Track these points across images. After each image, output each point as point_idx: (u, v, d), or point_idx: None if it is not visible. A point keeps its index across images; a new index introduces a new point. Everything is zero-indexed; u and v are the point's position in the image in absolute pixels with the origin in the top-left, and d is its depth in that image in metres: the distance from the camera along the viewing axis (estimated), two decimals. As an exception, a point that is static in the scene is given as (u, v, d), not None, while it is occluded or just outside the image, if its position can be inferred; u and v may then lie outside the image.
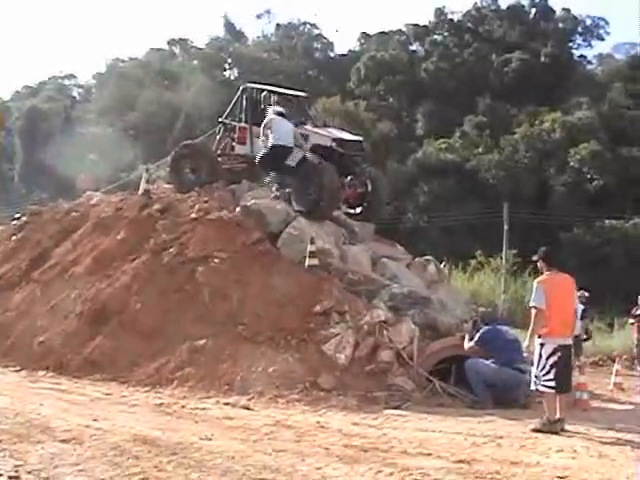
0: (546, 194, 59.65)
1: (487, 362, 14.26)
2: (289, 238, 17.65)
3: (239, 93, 20.88)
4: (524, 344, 12.50)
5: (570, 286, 12.32)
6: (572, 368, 13.09)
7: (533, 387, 12.17)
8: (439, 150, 64.80)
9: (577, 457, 9.79)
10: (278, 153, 19.12)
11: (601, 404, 15.51)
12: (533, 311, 11.97)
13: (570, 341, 12.24)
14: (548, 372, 11.76)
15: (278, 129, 19.10)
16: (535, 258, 12.55)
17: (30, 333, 17.33)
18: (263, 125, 19.35)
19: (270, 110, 19.93)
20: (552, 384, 11.74)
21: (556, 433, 11.33)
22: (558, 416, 11.69)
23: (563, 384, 11.90)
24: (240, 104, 20.79)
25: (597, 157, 58.56)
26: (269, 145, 19.04)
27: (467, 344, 14.79)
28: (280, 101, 20.78)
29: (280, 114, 19.47)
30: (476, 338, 14.64)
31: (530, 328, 12.02)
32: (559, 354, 11.74)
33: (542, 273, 12.33)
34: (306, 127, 19.93)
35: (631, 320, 23.89)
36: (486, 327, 14.86)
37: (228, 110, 21.19)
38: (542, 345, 11.85)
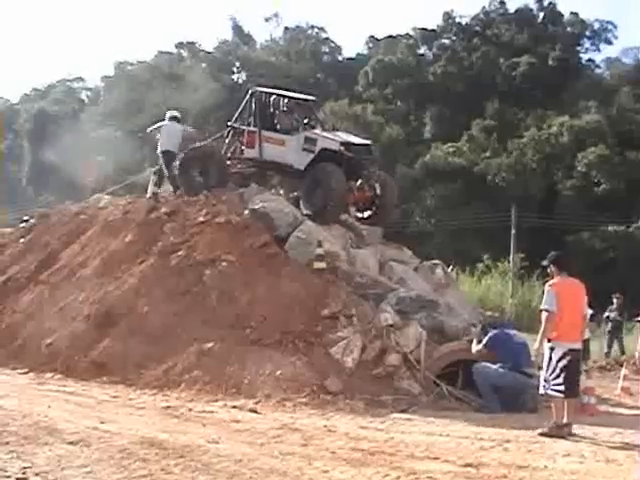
0: (554, 198, 59.68)
1: (494, 366, 14.25)
2: (297, 241, 17.66)
3: (248, 97, 20.87)
4: (534, 346, 12.45)
5: (580, 291, 12.31)
6: (580, 373, 13.07)
7: (542, 391, 12.15)
8: (447, 154, 64.81)
9: (584, 461, 9.78)
10: (166, 158, 21.23)
11: (608, 408, 15.47)
12: (544, 314, 11.93)
13: (580, 345, 12.27)
14: (558, 376, 11.75)
15: (166, 135, 21.43)
16: (545, 263, 12.59)
17: (38, 335, 17.35)
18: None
19: (167, 114, 22.15)
20: (561, 388, 11.72)
21: (563, 437, 11.33)
22: (566, 420, 11.69)
23: (572, 389, 11.90)
24: (249, 108, 20.79)
25: (605, 161, 58.57)
26: (158, 151, 21.45)
27: (475, 347, 14.78)
28: (289, 105, 20.83)
29: (173, 118, 21.91)
30: (484, 341, 14.63)
31: (540, 331, 12.00)
32: (569, 358, 11.74)
33: (552, 277, 12.35)
34: (315, 131, 19.97)
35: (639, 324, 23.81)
36: (494, 331, 14.85)
37: (237, 114, 21.17)
38: (552, 349, 11.85)
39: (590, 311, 23.53)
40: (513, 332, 15.36)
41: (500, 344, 14.50)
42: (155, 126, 22.19)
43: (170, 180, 21.44)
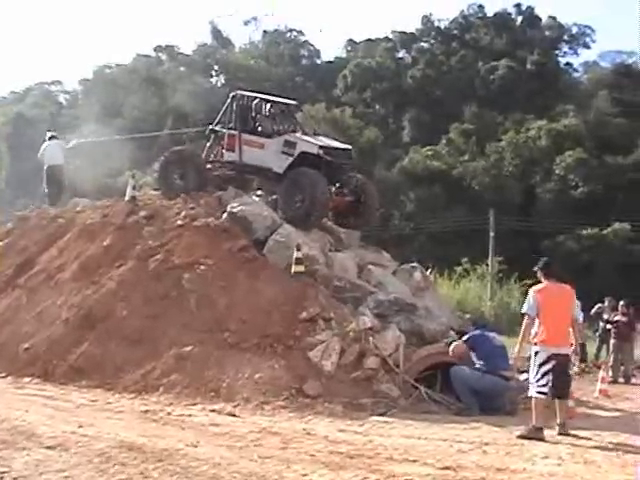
0: (532, 201, 60.01)
1: (471, 369, 14.27)
2: (275, 245, 17.65)
3: (229, 100, 20.84)
4: (514, 350, 12.60)
5: (566, 296, 12.42)
6: (570, 375, 13.14)
7: (529, 393, 12.32)
8: (425, 157, 65.07)
9: (563, 463, 9.83)
10: (53, 171, 24.44)
11: (587, 411, 15.53)
12: (526, 318, 12.17)
13: (566, 350, 12.35)
14: (541, 378, 11.91)
15: (50, 152, 24.59)
16: (535, 268, 12.73)
17: (16, 339, 17.25)
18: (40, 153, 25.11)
19: (47, 134, 25.74)
20: (544, 390, 11.90)
21: (542, 440, 11.39)
22: (559, 421, 11.92)
23: (559, 391, 12.05)
24: (230, 111, 20.76)
25: (582, 164, 58.97)
26: (45, 167, 24.61)
27: (453, 344, 14.76)
28: (270, 109, 20.81)
29: (52, 137, 25.25)
30: (465, 337, 14.67)
31: (520, 334, 12.24)
32: (553, 362, 11.88)
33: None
34: (294, 134, 19.96)
35: (608, 326, 23.93)
36: (475, 330, 14.90)
37: (218, 117, 21.13)
38: (536, 353, 12.05)
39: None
40: (492, 334, 15.36)
41: (479, 345, 14.52)
42: (41, 150, 25.19)
43: (49, 195, 24.62)
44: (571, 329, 12.75)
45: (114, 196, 22.64)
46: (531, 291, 12.40)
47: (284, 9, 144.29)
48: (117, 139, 33.05)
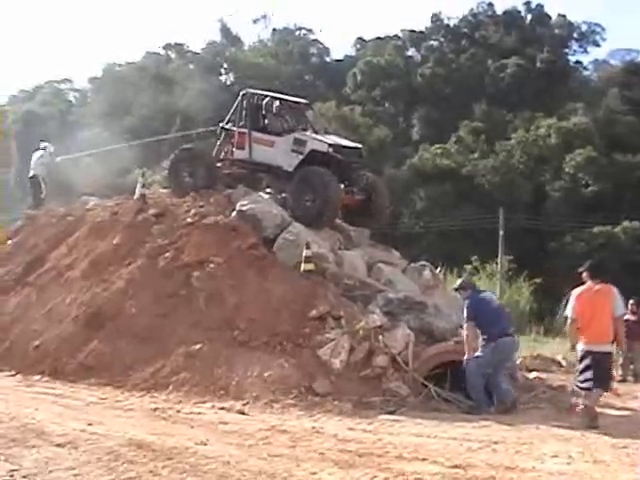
0: (541, 199, 59.86)
1: (480, 352, 14.11)
2: (285, 243, 17.64)
3: (239, 98, 20.83)
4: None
5: (603, 295, 12.75)
6: (610, 370, 13.42)
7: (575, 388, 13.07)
8: (435, 155, 64.96)
9: (572, 462, 9.79)
10: (33, 182, 25.15)
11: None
12: (568, 320, 12.90)
13: (607, 348, 12.77)
14: (580, 374, 12.61)
15: (33, 163, 25.39)
16: (581, 270, 13.17)
17: (25, 337, 17.27)
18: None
19: (41, 145, 25.97)
20: (583, 385, 12.51)
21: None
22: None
23: (599, 382, 12.49)
24: (240, 109, 20.75)
25: (592, 163, 58.82)
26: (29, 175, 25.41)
27: (464, 331, 14.55)
28: (281, 107, 20.79)
29: (43, 148, 25.66)
30: (466, 314, 14.35)
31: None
32: (590, 358, 12.40)
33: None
34: (304, 133, 19.97)
35: None
36: (469, 298, 14.64)
37: (229, 116, 21.12)
38: (579, 351, 12.67)
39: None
40: (489, 296, 15.31)
41: (481, 311, 14.30)
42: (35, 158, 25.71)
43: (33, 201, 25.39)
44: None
45: (124, 194, 22.64)
46: (572, 294, 12.92)
47: (288, 8, 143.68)
48: (99, 151, 33.23)
